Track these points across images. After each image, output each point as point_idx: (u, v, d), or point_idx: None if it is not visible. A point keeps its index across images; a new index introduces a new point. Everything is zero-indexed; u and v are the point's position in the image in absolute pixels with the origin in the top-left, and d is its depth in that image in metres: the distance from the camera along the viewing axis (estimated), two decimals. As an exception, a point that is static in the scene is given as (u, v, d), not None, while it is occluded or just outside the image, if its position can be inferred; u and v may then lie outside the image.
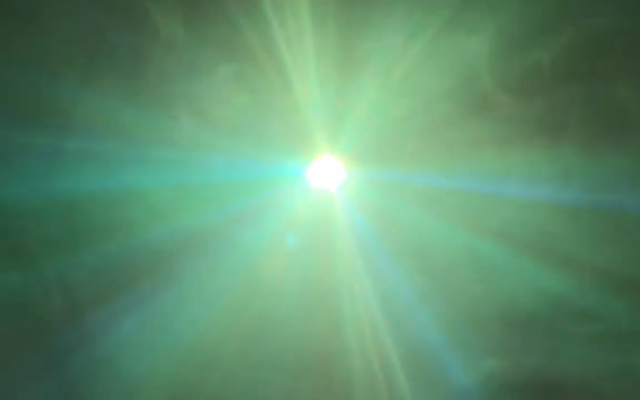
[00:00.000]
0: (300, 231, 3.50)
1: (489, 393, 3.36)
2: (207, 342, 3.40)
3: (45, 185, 3.27)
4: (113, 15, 3.35)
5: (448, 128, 3.38)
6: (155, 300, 3.38)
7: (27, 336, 3.26)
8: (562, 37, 3.31)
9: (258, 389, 3.40)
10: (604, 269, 3.33)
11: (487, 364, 3.38)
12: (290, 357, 3.43)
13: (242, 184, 3.44)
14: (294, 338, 3.44)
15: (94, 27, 3.35)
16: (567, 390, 3.33)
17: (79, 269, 3.29)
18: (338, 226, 3.51)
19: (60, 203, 3.29)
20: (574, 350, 3.33)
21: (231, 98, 3.43)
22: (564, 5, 3.30)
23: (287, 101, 3.43)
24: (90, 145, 3.30)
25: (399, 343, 3.41)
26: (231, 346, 3.42)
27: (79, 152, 3.30)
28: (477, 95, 3.36)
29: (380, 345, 3.41)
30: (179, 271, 3.41)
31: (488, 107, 3.35)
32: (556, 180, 3.36)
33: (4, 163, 3.26)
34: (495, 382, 3.37)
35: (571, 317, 3.34)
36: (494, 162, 3.38)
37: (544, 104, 3.32)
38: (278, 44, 3.38)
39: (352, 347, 3.43)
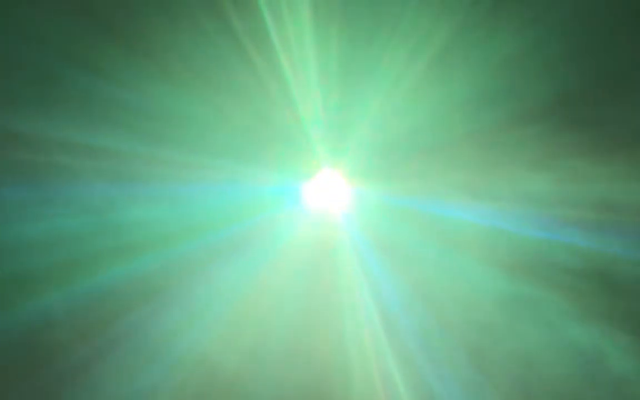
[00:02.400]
0: (302, 249, 3.52)
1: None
2: (206, 360, 3.42)
3: (44, 216, 3.27)
4: (111, 37, 3.31)
5: (450, 147, 3.39)
6: (155, 322, 3.39)
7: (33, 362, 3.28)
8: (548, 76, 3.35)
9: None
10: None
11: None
12: (291, 373, 3.46)
13: (244, 203, 3.45)
14: (295, 358, 3.47)
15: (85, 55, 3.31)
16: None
17: (86, 293, 3.30)
18: (339, 242, 3.53)
19: (62, 233, 3.29)
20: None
21: (233, 115, 3.41)
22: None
23: (290, 118, 3.42)
24: (95, 174, 3.30)
25: (400, 364, 3.45)
26: (230, 365, 3.44)
27: (82, 180, 3.29)
28: (479, 116, 3.37)
29: (383, 365, 3.45)
30: (180, 291, 3.41)
31: (490, 128, 3.36)
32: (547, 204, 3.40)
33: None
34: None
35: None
36: (492, 182, 3.41)
37: (543, 129, 3.35)
38: (280, 61, 3.36)
39: (353, 365, 3.47)
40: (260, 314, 3.45)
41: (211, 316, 3.41)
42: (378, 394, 3.41)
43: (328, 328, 3.47)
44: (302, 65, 3.39)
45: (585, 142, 3.31)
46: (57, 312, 3.25)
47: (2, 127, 3.24)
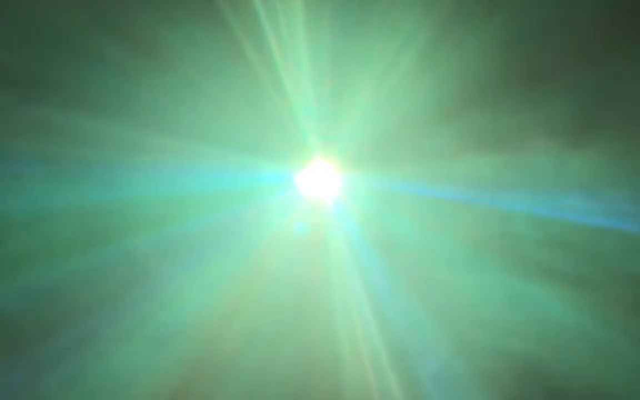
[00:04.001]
0: (293, 237, 3.53)
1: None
2: (197, 344, 3.41)
3: (45, 196, 3.26)
4: (108, 27, 3.32)
5: (443, 134, 3.44)
6: (146, 304, 3.37)
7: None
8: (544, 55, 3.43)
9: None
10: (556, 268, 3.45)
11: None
12: (282, 358, 3.45)
13: (235, 190, 3.46)
14: (285, 344, 3.46)
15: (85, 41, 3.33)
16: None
17: (84, 271, 3.29)
18: (332, 230, 3.55)
19: (60, 212, 3.28)
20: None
21: (225, 104, 3.43)
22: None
23: (281, 107, 3.45)
24: (86, 157, 3.30)
25: (390, 350, 3.46)
26: (221, 349, 3.42)
27: (77, 163, 3.29)
28: (472, 103, 3.43)
29: (374, 354, 3.46)
30: (171, 274, 3.40)
31: (483, 113, 3.42)
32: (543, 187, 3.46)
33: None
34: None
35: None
36: (486, 168, 3.46)
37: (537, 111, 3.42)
38: (272, 50, 3.40)
39: (344, 356, 3.47)
40: (252, 299, 3.45)
41: (203, 300, 3.40)
42: (368, 379, 3.42)
43: (319, 313, 3.48)
44: (293, 56, 3.43)
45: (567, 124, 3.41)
46: (51, 289, 3.24)
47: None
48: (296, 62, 3.43)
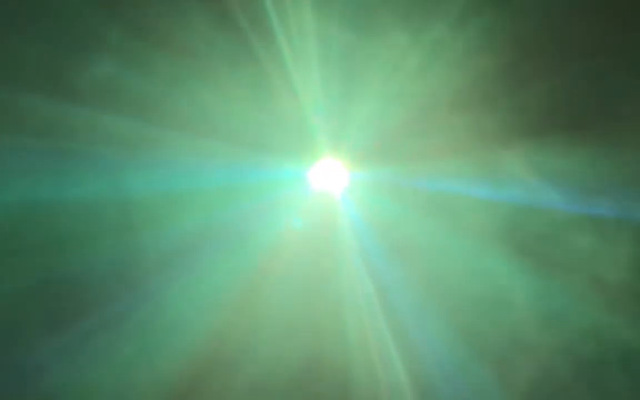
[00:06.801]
0: (302, 234, 3.52)
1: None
2: (207, 340, 3.39)
3: (45, 190, 3.26)
4: (113, 19, 3.34)
5: (451, 130, 3.46)
6: (153, 301, 3.36)
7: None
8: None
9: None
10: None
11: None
12: (290, 361, 3.43)
13: (244, 187, 3.46)
14: (295, 339, 3.44)
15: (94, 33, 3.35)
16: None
17: (88, 267, 3.27)
18: (341, 229, 3.54)
19: (67, 206, 3.28)
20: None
21: (234, 101, 3.45)
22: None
23: (291, 104, 3.47)
24: (96, 153, 3.31)
25: (401, 350, 3.44)
26: (229, 352, 3.40)
27: (83, 158, 3.30)
28: (480, 99, 3.45)
29: (384, 351, 3.44)
30: (179, 272, 3.39)
31: (490, 109, 3.44)
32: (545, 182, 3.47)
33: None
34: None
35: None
36: (495, 165, 3.47)
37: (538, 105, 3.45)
38: (281, 48, 3.42)
39: (354, 353, 3.44)
40: (260, 295, 3.44)
41: (211, 296, 3.39)
42: (378, 375, 3.39)
43: (327, 310, 3.47)
44: (303, 53, 3.45)
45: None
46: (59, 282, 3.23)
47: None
48: (305, 59, 3.45)
